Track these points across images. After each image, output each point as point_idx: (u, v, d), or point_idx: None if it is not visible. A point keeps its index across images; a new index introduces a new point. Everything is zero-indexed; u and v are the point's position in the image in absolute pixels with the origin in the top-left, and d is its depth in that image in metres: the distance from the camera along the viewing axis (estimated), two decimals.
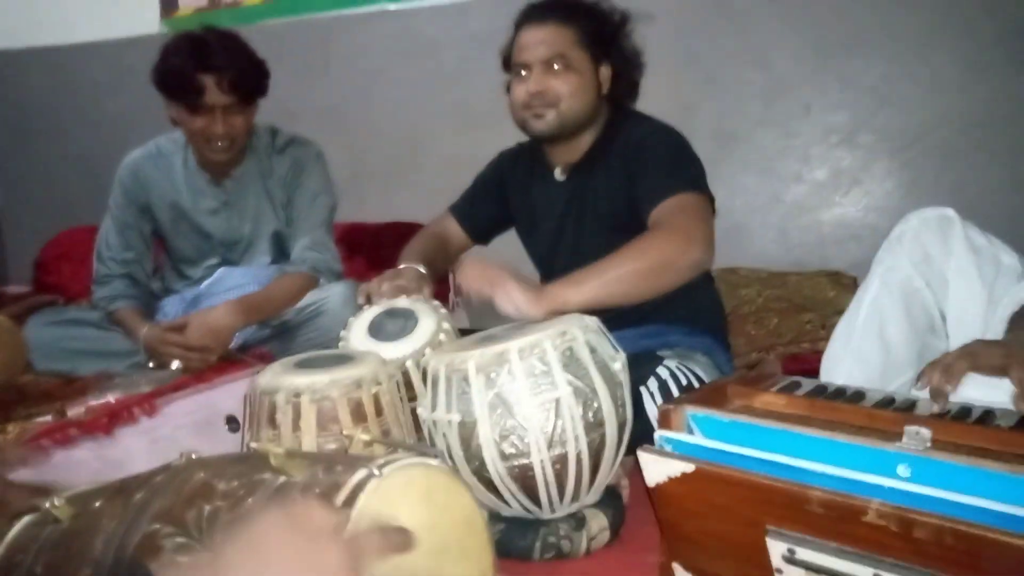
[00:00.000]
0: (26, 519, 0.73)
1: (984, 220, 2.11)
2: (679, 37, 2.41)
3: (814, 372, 1.83)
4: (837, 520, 0.81)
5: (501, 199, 1.80)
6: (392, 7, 2.83)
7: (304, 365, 1.10)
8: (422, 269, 1.62)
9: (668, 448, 0.97)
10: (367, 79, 2.89)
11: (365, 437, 0.88)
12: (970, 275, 1.26)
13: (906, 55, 2.24)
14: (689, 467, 0.91)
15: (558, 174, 1.69)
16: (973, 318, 1.25)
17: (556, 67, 1.55)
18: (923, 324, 1.30)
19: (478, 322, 1.48)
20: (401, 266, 1.63)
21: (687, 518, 0.97)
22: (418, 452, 0.65)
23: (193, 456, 0.87)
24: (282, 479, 0.62)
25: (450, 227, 1.84)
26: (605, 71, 1.61)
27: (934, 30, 2.17)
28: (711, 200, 1.55)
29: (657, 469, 0.95)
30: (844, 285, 2.16)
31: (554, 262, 1.71)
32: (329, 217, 2.09)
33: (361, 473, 0.59)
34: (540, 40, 1.56)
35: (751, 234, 2.43)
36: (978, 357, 1.05)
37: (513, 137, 1.87)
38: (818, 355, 1.91)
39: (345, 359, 1.13)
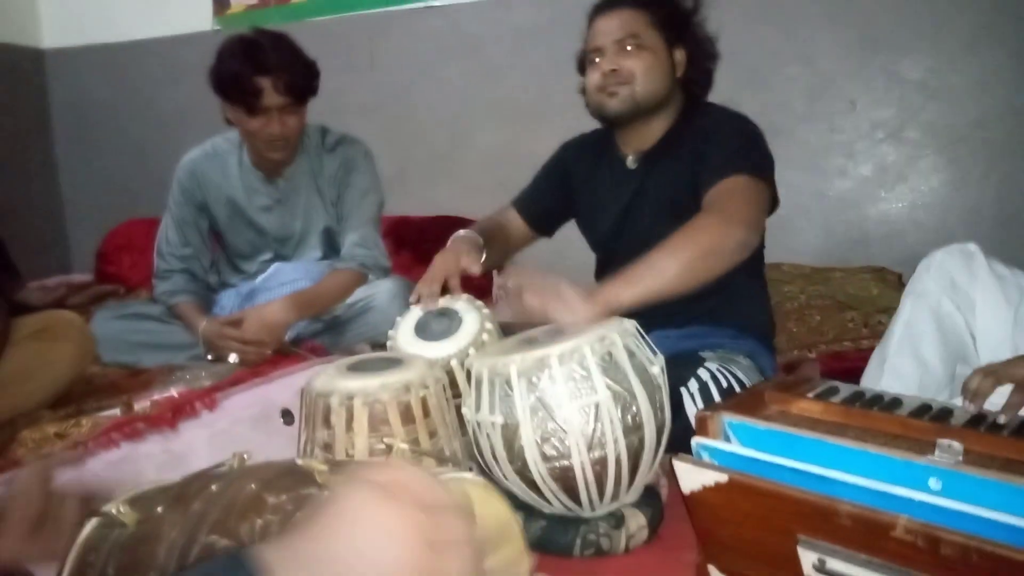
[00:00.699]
0: (95, 521, 0.75)
1: None
2: (721, 32, 2.37)
3: (856, 371, 1.84)
4: (866, 533, 0.83)
5: (564, 190, 1.80)
6: (436, 3, 2.87)
7: (356, 368, 1.15)
8: (476, 238, 1.63)
9: (705, 456, 1.01)
10: (412, 75, 2.94)
11: (404, 447, 0.93)
12: (996, 299, 1.31)
13: (955, 49, 2.20)
14: (723, 477, 0.94)
15: (630, 162, 1.69)
16: (1001, 340, 1.28)
17: (629, 47, 1.58)
18: (955, 345, 1.34)
19: (520, 316, 1.51)
20: (458, 232, 1.64)
21: (721, 524, 1.00)
22: (454, 464, 0.69)
23: (245, 457, 0.93)
24: (327, 493, 0.67)
25: (511, 219, 1.84)
26: (679, 54, 1.62)
27: (984, 24, 2.13)
28: (771, 187, 1.55)
29: (692, 478, 0.98)
30: (888, 282, 2.15)
31: (617, 249, 1.71)
32: (377, 214, 2.15)
33: None
34: (613, 24, 1.60)
35: (795, 229, 2.42)
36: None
37: (555, 132, 1.90)
38: (860, 353, 1.94)
39: (394, 363, 1.19)
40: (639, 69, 1.58)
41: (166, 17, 3.37)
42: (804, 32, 2.36)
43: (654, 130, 1.65)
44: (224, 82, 1.92)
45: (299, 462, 0.75)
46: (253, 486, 0.74)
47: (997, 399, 1.10)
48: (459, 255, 1.55)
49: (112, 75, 3.57)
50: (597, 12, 1.65)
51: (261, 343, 1.88)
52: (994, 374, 1.08)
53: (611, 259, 1.71)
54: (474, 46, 2.84)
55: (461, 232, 1.64)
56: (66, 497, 0.85)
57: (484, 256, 1.60)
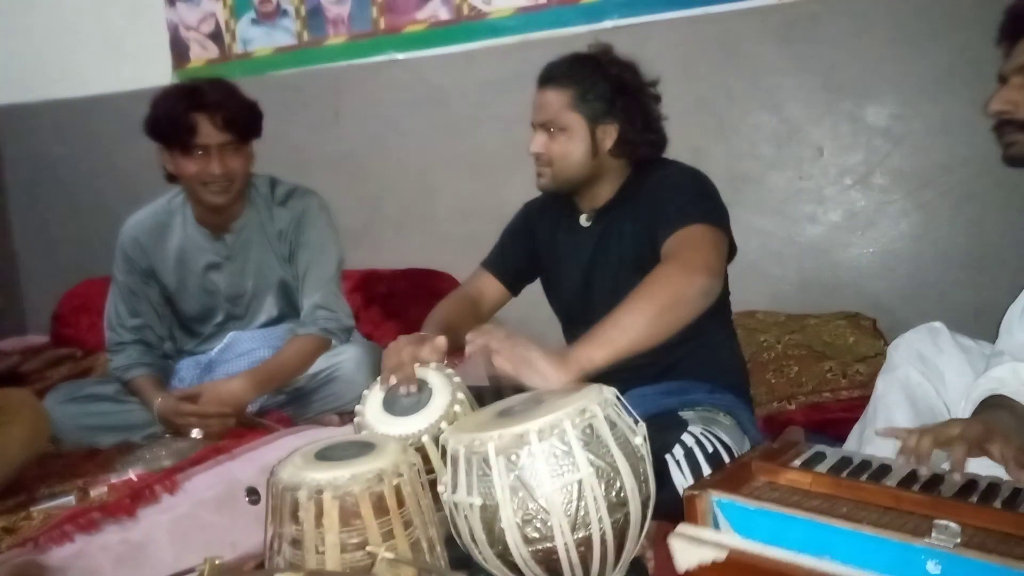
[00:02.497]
0: None
1: (1001, 262, 2.12)
2: (689, 82, 2.41)
3: (836, 422, 1.84)
4: None
5: (530, 249, 1.82)
6: (400, 56, 2.86)
7: (324, 456, 1.10)
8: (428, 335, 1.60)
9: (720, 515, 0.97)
10: (378, 127, 2.91)
11: (389, 555, 0.87)
12: (963, 369, 1.38)
13: (918, 95, 2.23)
14: (721, 554, 0.90)
15: (583, 220, 1.72)
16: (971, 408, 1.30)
17: (551, 130, 1.63)
18: (926, 412, 1.38)
19: (493, 379, 1.47)
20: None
21: None
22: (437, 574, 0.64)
23: (216, 562, 0.87)
24: None
25: (484, 283, 1.83)
26: (604, 130, 1.62)
27: (945, 71, 2.16)
28: (727, 234, 1.57)
29: (688, 556, 0.95)
30: (863, 328, 2.14)
31: (579, 309, 1.73)
32: (337, 270, 2.07)
33: None
34: (539, 104, 1.65)
35: (767, 276, 2.42)
36: (962, 434, 1.12)
37: (523, 183, 1.89)
38: (840, 404, 1.93)
39: (365, 448, 1.13)
40: (555, 154, 1.63)
41: (124, 72, 3.31)
42: (770, 79, 2.37)
43: (605, 190, 1.69)
44: (159, 124, 1.88)
45: None
46: None
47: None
48: (422, 338, 1.48)
49: (68, 131, 3.50)
50: (538, 83, 1.68)
51: (222, 415, 1.81)
52: (930, 434, 1.12)
53: (578, 319, 1.71)
54: (440, 99, 2.82)
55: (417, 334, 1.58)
56: None
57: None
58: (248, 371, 1.88)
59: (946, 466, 1.10)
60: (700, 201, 1.57)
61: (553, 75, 1.64)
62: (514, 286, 1.85)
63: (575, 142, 1.62)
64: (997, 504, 1.00)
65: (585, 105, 1.61)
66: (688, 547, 0.96)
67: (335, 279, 2.05)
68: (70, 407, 1.93)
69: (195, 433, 1.79)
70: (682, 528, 0.98)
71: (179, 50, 3.26)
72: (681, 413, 1.52)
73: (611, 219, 1.68)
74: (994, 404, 1.22)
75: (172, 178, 1.97)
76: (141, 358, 2.01)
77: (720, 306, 1.65)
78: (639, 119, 1.63)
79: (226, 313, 2.06)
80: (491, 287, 1.83)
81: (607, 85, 1.61)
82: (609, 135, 1.63)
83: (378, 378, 1.46)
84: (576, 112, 1.61)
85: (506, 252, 1.85)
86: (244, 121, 1.91)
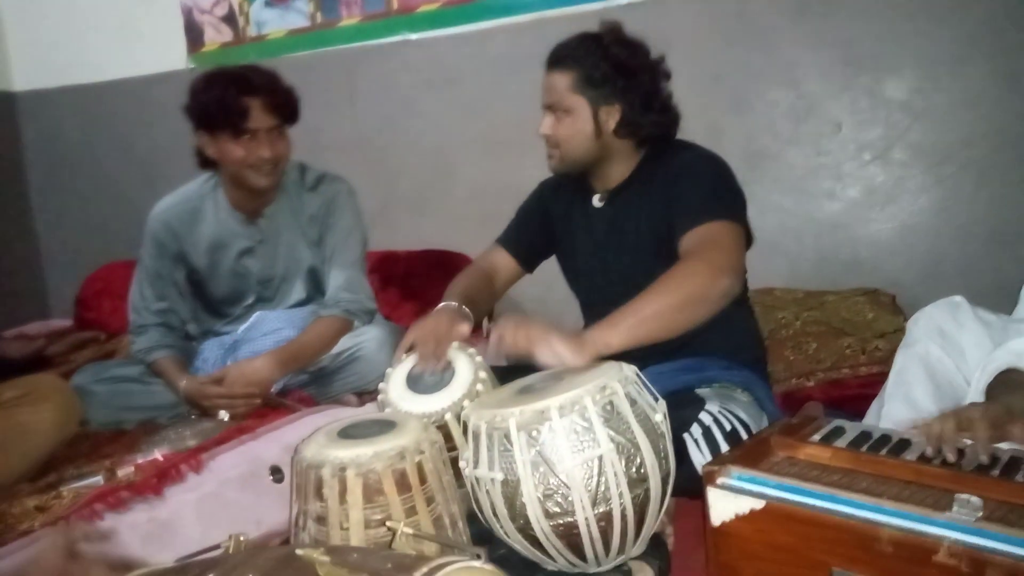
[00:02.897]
0: None
1: (1022, 237, 2.10)
2: (705, 58, 2.39)
3: (855, 398, 1.83)
4: (907, 560, 0.82)
5: (545, 227, 1.83)
6: (414, 36, 2.85)
7: (347, 434, 1.11)
8: (461, 307, 1.62)
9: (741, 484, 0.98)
10: (393, 109, 2.91)
11: (409, 531, 0.89)
12: (983, 344, 1.36)
13: (938, 69, 2.20)
14: (759, 504, 0.92)
15: (596, 200, 1.73)
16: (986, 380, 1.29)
17: (557, 113, 1.64)
18: (947, 388, 1.37)
19: (513, 359, 1.48)
20: (440, 305, 1.63)
21: (748, 560, 0.97)
22: (460, 550, 0.65)
23: (241, 539, 0.89)
24: None
25: (498, 259, 1.85)
26: (607, 111, 1.62)
27: (966, 43, 2.13)
28: (746, 229, 1.58)
29: (725, 506, 0.96)
30: (882, 304, 2.13)
31: (596, 289, 1.75)
32: (362, 254, 2.11)
33: None
34: (546, 87, 1.66)
35: (786, 253, 2.41)
36: (983, 413, 1.10)
37: (538, 163, 1.88)
38: (859, 380, 1.92)
39: (387, 426, 1.14)
40: (561, 136, 1.64)
41: (139, 57, 3.33)
42: (788, 54, 2.35)
43: (617, 171, 1.69)
44: (207, 107, 1.89)
45: (299, 552, 0.70)
46: None
47: None
48: (452, 320, 1.53)
49: (86, 116, 3.52)
50: (545, 67, 1.69)
51: (249, 395, 1.83)
52: (952, 418, 1.10)
53: (595, 298, 1.75)
54: (454, 79, 2.81)
55: (443, 305, 1.62)
56: (91, 565, 0.83)
57: (466, 324, 1.57)
58: (272, 351, 1.91)
59: (967, 440, 1.10)
60: (721, 194, 1.57)
61: (558, 57, 1.64)
62: (528, 263, 1.87)
63: (579, 124, 1.62)
64: (1019, 478, 1.00)
65: (587, 87, 1.61)
66: (726, 496, 0.96)
67: (359, 263, 2.09)
68: (96, 387, 1.95)
69: (222, 415, 1.82)
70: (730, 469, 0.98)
71: (193, 34, 3.27)
72: (698, 390, 1.53)
73: (624, 200, 1.68)
74: (1011, 382, 1.21)
75: (206, 164, 2.00)
76: (163, 340, 2.04)
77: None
78: (642, 100, 1.62)
79: (256, 296, 2.10)
80: (505, 263, 1.84)
81: (609, 66, 1.60)
82: (612, 116, 1.62)
83: (404, 356, 1.47)
84: (579, 94, 1.61)
85: (521, 230, 1.86)
86: (288, 105, 1.96)
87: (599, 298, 1.73)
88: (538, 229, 1.84)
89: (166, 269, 2.07)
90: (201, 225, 2.06)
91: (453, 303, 1.61)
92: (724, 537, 0.97)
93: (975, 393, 1.28)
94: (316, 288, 2.11)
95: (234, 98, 1.86)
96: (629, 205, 1.67)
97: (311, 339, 1.96)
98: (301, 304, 2.11)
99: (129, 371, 2.03)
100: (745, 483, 1.00)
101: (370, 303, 2.06)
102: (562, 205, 1.80)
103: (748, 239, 1.62)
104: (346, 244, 2.06)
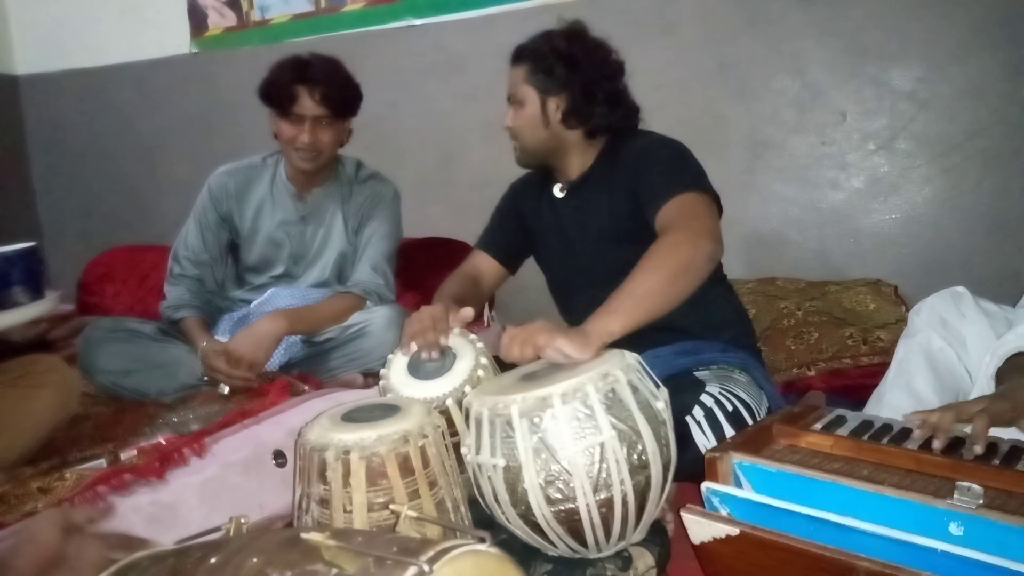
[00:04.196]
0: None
1: None
2: (710, 46, 2.38)
3: (857, 388, 1.84)
4: None
5: (520, 226, 1.88)
6: (418, 22, 2.83)
7: (351, 418, 1.11)
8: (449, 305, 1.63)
9: (716, 502, 0.98)
10: (396, 94, 2.90)
11: (412, 515, 0.89)
12: (985, 334, 1.37)
13: (944, 59, 2.19)
14: (734, 530, 0.91)
15: (558, 191, 1.78)
16: (992, 373, 1.29)
17: (514, 104, 1.72)
18: (948, 378, 1.38)
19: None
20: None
21: (733, 574, 0.97)
22: (466, 534, 0.65)
23: (243, 521, 0.89)
24: (334, 571, 0.63)
25: (480, 262, 1.89)
26: (555, 102, 1.68)
27: (973, 33, 2.11)
28: (715, 197, 1.61)
29: (702, 530, 0.96)
30: (884, 295, 2.13)
31: (562, 278, 1.81)
32: (393, 252, 2.20)
33: (412, 571, 0.60)
34: (509, 81, 1.73)
35: (788, 243, 2.40)
36: (986, 409, 1.10)
37: None
38: (860, 370, 1.92)
39: (390, 410, 1.15)
40: (516, 126, 1.72)
41: (143, 40, 3.32)
42: (793, 43, 2.34)
43: (575, 163, 1.74)
44: (268, 86, 2.03)
45: (303, 536, 0.70)
46: (255, 560, 0.70)
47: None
48: (447, 308, 1.54)
49: (89, 100, 3.52)
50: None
51: (251, 363, 1.87)
52: (953, 410, 1.12)
53: (564, 287, 1.82)
54: (458, 65, 2.80)
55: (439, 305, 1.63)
56: (85, 542, 0.83)
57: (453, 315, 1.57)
58: (283, 309, 1.99)
59: (967, 429, 1.10)
60: (684, 169, 1.60)
61: (517, 52, 1.73)
62: (510, 264, 1.90)
63: (529, 114, 1.69)
64: (1020, 467, 1.00)
65: (536, 78, 1.67)
66: (700, 522, 0.97)
67: (388, 258, 2.16)
68: (111, 336, 2.00)
69: (224, 389, 1.85)
70: (705, 486, 0.99)
71: (197, 18, 3.26)
72: (697, 373, 1.54)
73: (586, 191, 1.72)
74: (1020, 366, 1.21)
75: (276, 135, 2.12)
76: (193, 299, 2.11)
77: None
78: (585, 90, 1.66)
79: (284, 269, 2.18)
80: (488, 266, 1.88)
81: (554, 58, 1.66)
82: (559, 107, 1.67)
83: (402, 343, 1.48)
84: (529, 85, 1.68)
85: (497, 231, 1.91)
86: (342, 99, 2.05)
87: (569, 287, 1.79)
88: (514, 228, 1.88)
89: (213, 225, 2.17)
90: (254, 191, 2.17)
91: (440, 304, 1.62)
92: (706, 554, 0.98)
93: (984, 378, 1.28)
94: (339, 276, 2.19)
95: (287, 83, 1.99)
96: (590, 194, 1.71)
97: (323, 308, 2.04)
98: (319, 287, 2.17)
99: (145, 327, 2.08)
100: (722, 500, 0.99)
101: (388, 292, 2.13)
102: (531, 201, 1.85)
103: (719, 208, 1.64)
104: (380, 237, 2.15)
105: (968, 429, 1.10)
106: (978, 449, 1.05)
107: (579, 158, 1.73)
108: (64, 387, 1.64)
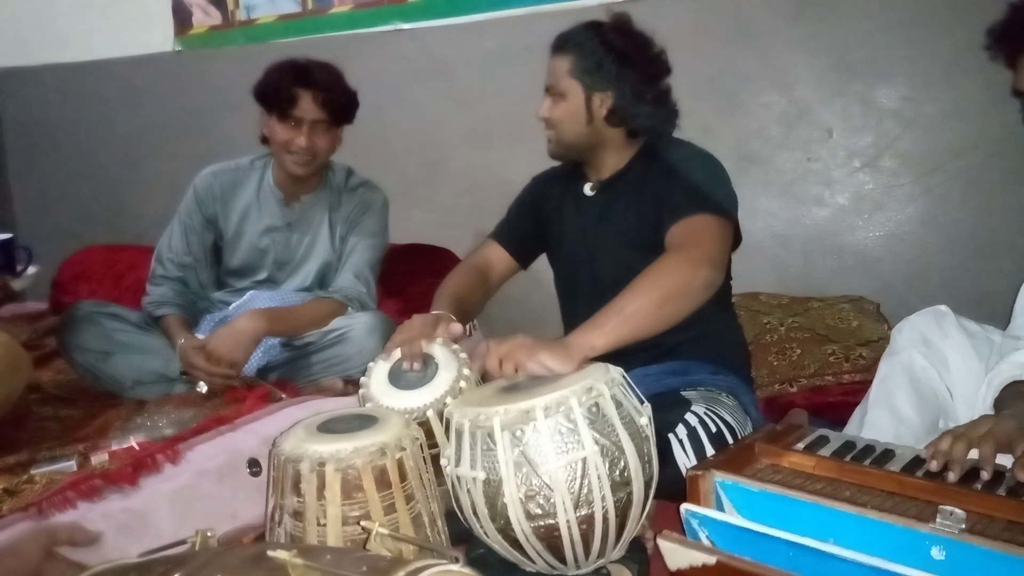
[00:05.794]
0: None
1: (1008, 248, 2.11)
2: (699, 59, 2.37)
3: (838, 406, 1.83)
4: None
5: (537, 220, 1.84)
6: (406, 26, 2.82)
7: (327, 429, 1.09)
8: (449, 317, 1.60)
9: (695, 524, 0.96)
10: (382, 99, 2.86)
11: (385, 532, 0.87)
12: (967, 354, 1.38)
13: (930, 78, 2.20)
14: (711, 559, 0.90)
15: (588, 189, 1.74)
16: (974, 393, 1.31)
17: (554, 96, 1.66)
18: (931, 398, 1.38)
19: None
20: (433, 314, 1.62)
21: None
22: (438, 553, 0.63)
23: (209, 535, 0.87)
24: None
25: (492, 254, 1.85)
26: (600, 98, 1.64)
27: (959, 53, 2.12)
28: (734, 224, 1.59)
29: (679, 557, 0.95)
30: (867, 312, 2.13)
31: (575, 279, 1.76)
32: (377, 260, 2.18)
33: None
34: (548, 70, 1.69)
35: (772, 258, 2.41)
36: (991, 432, 1.08)
37: (529, 157, 1.90)
38: (842, 387, 1.92)
39: (368, 421, 1.12)
40: (556, 119, 1.67)
41: (125, 37, 3.27)
42: (781, 58, 2.34)
43: (611, 161, 1.71)
44: (266, 87, 2.02)
45: (270, 553, 0.68)
46: None
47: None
48: (438, 319, 1.51)
49: (68, 96, 3.46)
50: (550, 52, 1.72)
51: (230, 362, 1.85)
52: (964, 437, 1.09)
53: (576, 290, 1.77)
54: (445, 70, 2.79)
55: (433, 313, 1.60)
56: (67, 569, 0.81)
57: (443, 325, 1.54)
58: (262, 308, 1.97)
59: (975, 455, 1.08)
60: (710, 189, 1.57)
61: (560, 42, 1.67)
62: (522, 258, 1.86)
63: (572, 108, 1.65)
64: (1002, 491, 1.00)
65: (583, 72, 1.63)
66: (676, 550, 0.96)
67: (372, 266, 2.15)
68: (96, 316, 1.98)
69: (201, 387, 1.84)
70: (684, 508, 0.97)
71: (181, 16, 3.22)
72: (684, 393, 1.53)
73: (615, 192, 1.69)
74: (1019, 393, 1.20)
75: (265, 140, 2.10)
76: (175, 298, 2.09)
77: (722, 290, 1.65)
78: (635, 89, 1.63)
79: (267, 275, 2.16)
80: (500, 257, 1.84)
81: (604, 53, 1.62)
82: (604, 103, 1.64)
83: (384, 349, 1.46)
84: (574, 79, 1.64)
85: (513, 223, 1.87)
86: (340, 106, 2.04)
87: (578, 288, 1.76)
88: (531, 222, 1.84)
89: (198, 227, 2.15)
90: (241, 194, 2.16)
91: (436, 312, 1.59)
92: None
93: (983, 408, 1.27)
94: (321, 283, 2.17)
95: (288, 85, 1.98)
96: (620, 196, 1.68)
97: (303, 310, 2.03)
98: (301, 292, 2.16)
99: (129, 314, 2.07)
100: (701, 523, 0.98)
101: (370, 300, 2.11)
102: (554, 196, 1.81)
103: (736, 238, 1.62)
104: (365, 246, 2.14)
105: (974, 454, 1.08)
106: (985, 476, 1.03)
107: (615, 156, 1.70)
108: (10, 360, 1.60)
